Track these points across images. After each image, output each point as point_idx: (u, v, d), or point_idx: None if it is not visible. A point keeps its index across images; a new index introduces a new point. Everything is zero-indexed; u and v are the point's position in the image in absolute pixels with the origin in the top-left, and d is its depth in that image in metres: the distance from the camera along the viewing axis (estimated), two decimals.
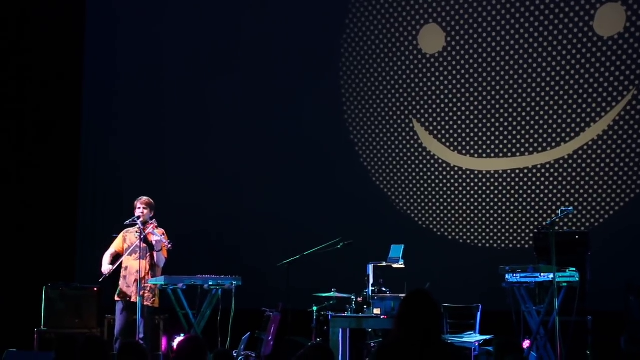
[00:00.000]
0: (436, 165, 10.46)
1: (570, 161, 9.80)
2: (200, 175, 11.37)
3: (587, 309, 8.49)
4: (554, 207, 9.75)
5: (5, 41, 11.44)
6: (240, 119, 11.32)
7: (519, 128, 10.06)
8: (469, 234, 10.27)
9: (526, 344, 7.96)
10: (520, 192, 10.04)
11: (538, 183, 9.96)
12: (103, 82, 11.98)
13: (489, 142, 10.21)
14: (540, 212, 9.92)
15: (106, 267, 8.53)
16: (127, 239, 8.62)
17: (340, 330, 8.03)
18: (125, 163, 11.70)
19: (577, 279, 7.84)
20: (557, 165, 9.87)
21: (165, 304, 8.72)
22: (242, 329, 8.81)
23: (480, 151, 10.25)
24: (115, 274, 8.62)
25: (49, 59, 11.65)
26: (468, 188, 10.30)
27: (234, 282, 8.35)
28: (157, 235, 8.41)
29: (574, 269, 7.91)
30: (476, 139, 10.28)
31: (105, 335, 9.56)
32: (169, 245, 8.41)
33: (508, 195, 10.10)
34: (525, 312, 8.07)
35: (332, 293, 8.66)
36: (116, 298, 8.53)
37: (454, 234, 10.34)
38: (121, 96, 11.90)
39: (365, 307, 8.00)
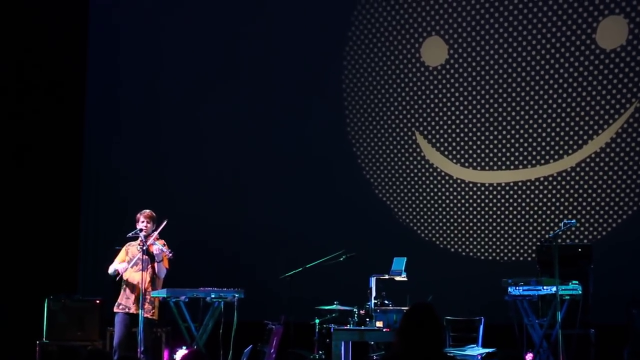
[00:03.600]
0: (439, 178, 10.46)
1: (573, 174, 9.79)
2: (203, 188, 11.38)
3: (590, 321, 8.48)
4: (556, 220, 9.74)
5: (9, 50, 11.46)
6: (243, 131, 11.32)
7: (521, 140, 10.07)
8: (471, 246, 10.26)
9: (529, 357, 7.94)
10: (523, 204, 10.03)
11: (541, 196, 9.95)
12: (105, 94, 12.00)
13: (491, 155, 10.21)
14: (543, 224, 9.90)
15: (116, 267, 8.47)
16: (129, 252, 8.59)
17: (343, 343, 8.00)
18: (128, 174, 11.70)
19: (580, 292, 7.83)
20: (559, 178, 9.86)
21: (168, 317, 8.70)
22: (245, 342, 8.80)
23: (482, 164, 10.25)
24: (117, 285, 8.61)
25: (51, 68, 11.66)
26: (470, 200, 10.29)
27: (236, 295, 8.32)
28: (158, 245, 8.40)
29: (577, 282, 7.91)
30: (479, 151, 10.28)
31: (107, 347, 9.53)
32: (170, 255, 8.38)
33: (511, 208, 10.09)
34: (528, 325, 8.06)
35: (334, 306, 8.65)
36: (115, 309, 8.51)
37: (456, 246, 10.33)
38: (123, 108, 11.92)
39: (367, 319, 7.98)
